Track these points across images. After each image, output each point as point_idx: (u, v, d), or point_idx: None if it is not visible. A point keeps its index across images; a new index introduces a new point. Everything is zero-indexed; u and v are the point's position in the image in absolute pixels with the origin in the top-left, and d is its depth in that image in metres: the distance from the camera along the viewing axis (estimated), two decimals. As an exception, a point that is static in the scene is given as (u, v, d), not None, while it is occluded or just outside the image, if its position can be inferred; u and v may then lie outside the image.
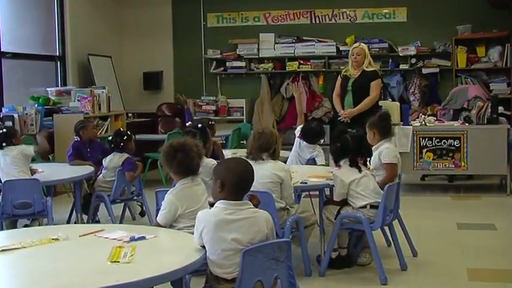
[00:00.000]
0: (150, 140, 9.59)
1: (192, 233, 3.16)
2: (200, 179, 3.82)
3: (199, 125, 5.03)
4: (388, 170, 5.11)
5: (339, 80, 7.29)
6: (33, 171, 5.58)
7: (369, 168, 4.89)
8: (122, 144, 6.03)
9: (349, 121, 6.95)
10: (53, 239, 3.23)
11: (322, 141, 6.52)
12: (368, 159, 4.93)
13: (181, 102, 10.76)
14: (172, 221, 3.64)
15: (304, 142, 6.25)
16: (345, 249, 4.95)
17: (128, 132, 6.22)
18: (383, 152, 5.15)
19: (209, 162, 4.70)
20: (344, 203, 4.81)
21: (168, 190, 3.81)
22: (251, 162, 4.45)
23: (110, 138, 6.15)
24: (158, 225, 3.66)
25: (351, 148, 4.73)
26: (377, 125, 5.33)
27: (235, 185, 3.10)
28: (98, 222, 6.11)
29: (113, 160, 6.05)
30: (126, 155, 6.05)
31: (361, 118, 6.43)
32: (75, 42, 9.66)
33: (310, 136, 6.25)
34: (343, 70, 7.35)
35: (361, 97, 7.00)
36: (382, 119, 5.44)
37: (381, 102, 7.61)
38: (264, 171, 4.47)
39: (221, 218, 3.05)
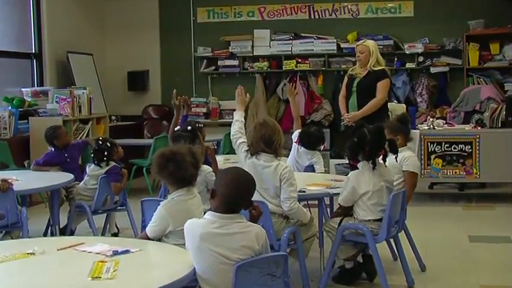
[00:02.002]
0: (135, 145, 9.58)
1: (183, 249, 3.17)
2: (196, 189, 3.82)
3: (189, 128, 5.02)
4: (410, 179, 5.14)
5: (345, 79, 7.27)
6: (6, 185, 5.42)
7: (386, 166, 4.85)
8: (105, 158, 6.01)
9: (353, 125, 6.92)
10: (28, 253, 3.22)
11: (321, 147, 6.52)
12: (395, 156, 4.90)
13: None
14: (161, 235, 3.65)
15: (303, 148, 6.25)
16: (351, 262, 4.92)
17: (108, 144, 6.07)
18: (409, 159, 5.21)
19: (205, 170, 4.69)
20: (347, 213, 4.81)
21: (154, 199, 3.80)
22: (252, 158, 4.50)
23: (92, 153, 6.11)
24: (145, 237, 3.66)
25: (368, 142, 4.71)
26: (401, 129, 5.42)
27: (225, 197, 3.10)
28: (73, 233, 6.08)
29: (97, 168, 6.04)
30: (112, 163, 6.04)
31: (368, 121, 6.38)
32: (52, 38, 9.65)
33: (309, 141, 6.25)
34: (350, 69, 7.33)
35: (367, 99, 6.95)
36: (405, 122, 5.53)
37: (386, 104, 7.61)
38: (265, 176, 4.47)
39: (208, 232, 3.05)
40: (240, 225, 3.10)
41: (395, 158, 4.93)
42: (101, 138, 6.32)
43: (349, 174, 4.80)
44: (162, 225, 3.63)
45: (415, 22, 10.32)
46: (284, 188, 4.49)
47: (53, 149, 6.51)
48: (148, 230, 3.67)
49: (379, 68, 7.02)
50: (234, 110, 4.99)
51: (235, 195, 3.12)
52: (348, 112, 7.08)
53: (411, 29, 10.28)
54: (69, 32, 10.04)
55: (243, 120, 4.88)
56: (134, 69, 11.08)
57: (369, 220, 4.71)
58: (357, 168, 4.75)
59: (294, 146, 6.34)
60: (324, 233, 4.89)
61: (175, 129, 5.32)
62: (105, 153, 6.01)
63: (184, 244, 3.18)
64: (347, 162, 5.58)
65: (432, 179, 8.20)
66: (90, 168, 6.09)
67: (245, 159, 4.61)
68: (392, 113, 7.48)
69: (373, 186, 4.68)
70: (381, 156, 4.73)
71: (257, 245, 3.09)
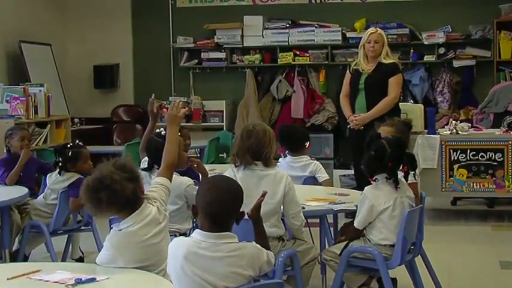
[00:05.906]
0: (103, 153, 9.53)
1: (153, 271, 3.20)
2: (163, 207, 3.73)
3: (164, 133, 5.01)
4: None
5: (348, 75, 7.30)
6: None
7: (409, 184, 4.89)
8: (67, 165, 5.99)
9: (361, 128, 6.95)
10: (-27, 282, 3.22)
11: (307, 144, 6.26)
12: (413, 172, 4.92)
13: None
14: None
15: (289, 157, 6.10)
16: None
17: (77, 151, 6.05)
18: None
19: (183, 182, 4.69)
20: (356, 238, 4.82)
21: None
22: (239, 170, 4.49)
23: (55, 159, 6.08)
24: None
25: (389, 157, 4.73)
26: (408, 134, 5.56)
27: (207, 213, 3.13)
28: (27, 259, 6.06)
29: (59, 179, 6.01)
30: (76, 176, 6.00)
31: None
32: (1, 25, 9.63)
33: (292, 140, 6.10)
34: (353, 63, 7.35)
35: (377, 97, 7.00)
36: (410, 127, 5.64)
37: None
38: (262, 188, 4.45)
39: (193, 251, 3.08)
40: (230, 247, 3.12)
41: (414, 175, 4.95)
42: (70, 144, 6.29)
43: (364, 190, 4.81)
44: (112, 260, 3.47)
45: (435, 7, 10.35)
46: (290, 200, 4.55)
47: (7, 154, 6.46)
48: (98, 259, 3.52)
49: (390, 61, 7.06)
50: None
51: (217, 209, 3.13)
52: (353, 113, 7.10)
53: (430, 15, 10.33)
54: (22, 17, 10.03)
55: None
56: (101, 63, 11.08)
57: (385, 245, 4.71)
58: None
59: (282, 162, 6.09)
60: (324, 262, 4.89)
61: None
62: (69, 159, 5.97)
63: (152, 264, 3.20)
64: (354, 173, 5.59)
65: (455, 193, 8.20)
66: (52, 179, 6.05)
67: (236, 173, 4.56)
68: (407, 114, 7.51)
69: (393, 202, 4.70)
70: (403, 173, 4.77)
71: (251, 270, 3.12)
